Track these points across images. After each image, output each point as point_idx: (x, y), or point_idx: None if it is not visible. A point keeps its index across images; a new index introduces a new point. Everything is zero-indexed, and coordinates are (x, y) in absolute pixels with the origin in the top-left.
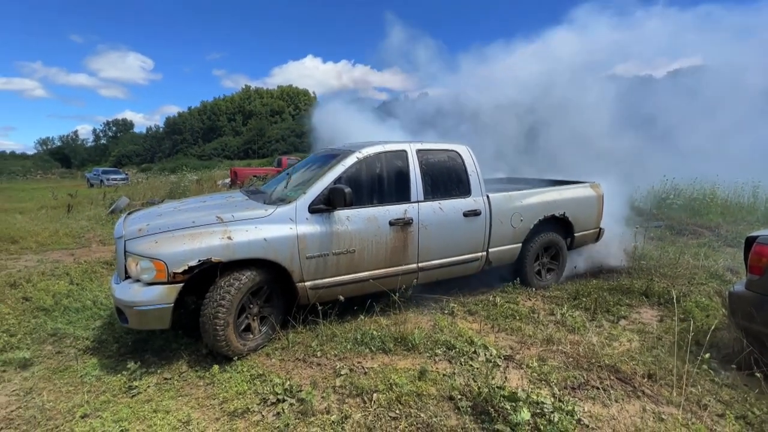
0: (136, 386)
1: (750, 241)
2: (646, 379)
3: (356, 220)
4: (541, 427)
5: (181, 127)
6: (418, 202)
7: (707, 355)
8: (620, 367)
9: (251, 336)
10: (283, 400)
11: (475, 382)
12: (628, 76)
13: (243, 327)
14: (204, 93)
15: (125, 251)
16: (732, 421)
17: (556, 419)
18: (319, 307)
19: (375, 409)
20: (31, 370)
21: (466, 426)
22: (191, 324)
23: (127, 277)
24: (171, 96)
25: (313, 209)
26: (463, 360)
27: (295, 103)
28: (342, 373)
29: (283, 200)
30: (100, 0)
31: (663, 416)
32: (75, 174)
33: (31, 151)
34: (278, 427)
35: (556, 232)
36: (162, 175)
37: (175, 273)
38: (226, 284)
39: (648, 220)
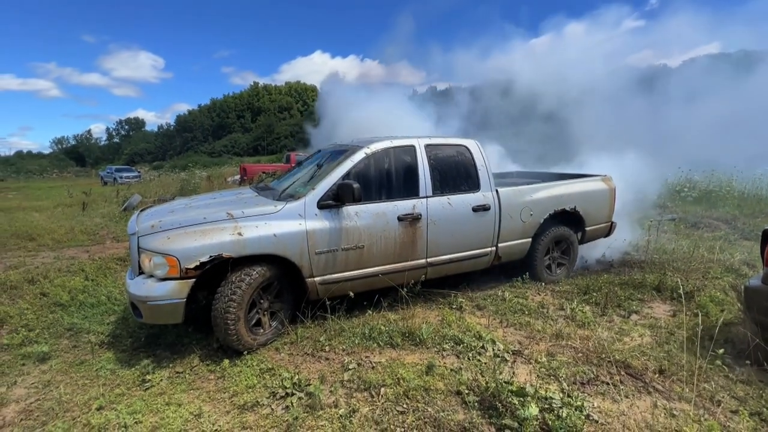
0: (149, 380)
1: (767, 234)
2: (657, 375)
3: (365, 215)
4: (550, 423)
5: (192, 125)
6: (426, 197)
7: (721, 351)
8: (631, 362)
9: (261, 331)
10: (292, 394)
11: (482, 376)
12: (642, 66)
13: (253, 322)
14: (213, 90)
15: (139, 247)
16: (746, 418)
17: (564, 414)
18: (328, 303)
19: (382, 404)
20: (49, 363)
21: (474, 421)
22: (203, 319)
23: (141, 272)
24: (182, 94)
25: (321, 205)
26: (471, 355)
27: (303, 99)
28: (350, 367)
29: (292, 196)
30: (110, 0)
31: (674, 412)
32: (89, 172)
33: (47, 150)
34: (287, 420)
35: (567, 227)
36: (173, 172)
37: (187, 268)
38: (237, 280)
39: (662, 213)
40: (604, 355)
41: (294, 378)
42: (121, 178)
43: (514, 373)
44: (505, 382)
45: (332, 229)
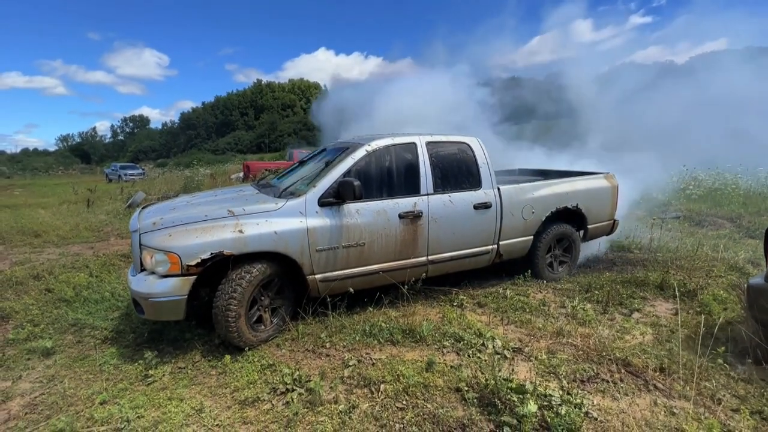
0: (152, 375)
1: None
2: (658, 373)
3: (366, 213)
4: (549, 420)
5: (195, 123)
6: (427, 194)
7: (722, 349)
8: (631, 360)
9: (263, 327)
10: (292, 390)
11: (482, 374)
12: (648, 63)
13: (255, 319)
14: (218, 88)
15: (140, 244)
16: (747, 416)
17: (563, 412)
18: (329, 299)
19: (382, 400)
20: (54, 358)
21: (473, 417)
22: (205, 315)
23: (143, 269)
24: (186, 91)
25: (322, 202)
26: (471, 352)
27: (307, 96)
28: (350, 364)
29: (293, 194)
30: None
31: (674, 410)
32: (94, 169)
33: (52, 148)
34: (287, 415)
35: (569, 224)
36: (177, 169)
37: (188, 265)
38: (238, 277)
39: (665, 211)
40: (604, 353)
41: (295, 374)
42: (125, 175)
43: (513, 370)
44: (504, 380)
45: (333, 226)
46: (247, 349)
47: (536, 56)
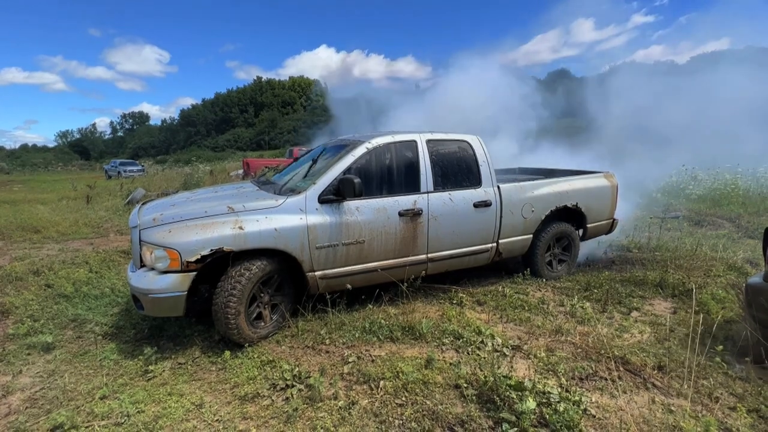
0: (152, 370)
1: None
2: (656, 371)
3: (366, 210)
4: (547, 417)
5: (195, 119)
6: (427, 192)
7: (720, 348)
8: (630, 358)
9: (262, 324)
10: (292, 386)
11: (481, 371)
12: (649, 63)
13: (254, 315)
14: (218, 85)
15: (140, 240)
16: (744, 414)
17: (561, 409)
18: (328, 296)
19: (381, 396)
20: (54, 353)
21: (472, 414)
22: (205, 311)
23: (143, 265)
24: (186, 88)
25: (322, 200)
26: (470, 349)
27: (307, 94)
28: (350, 360)
29: (293, 191)
30: None
31: (672, 408)
32: (94, 166)
33: (51, 144)
34: (287, 411)
35: (569, 223)
36: (177, 166)
37: (188, 262)
38: (237, 274)
39: (665, 211)
40: (603, 351)
41: (294, 370)
42: (125, 171)
43: (512, 367)
44: (503, 377)
45: (333, 223)
46: (246, 345)
47: (536, 55)
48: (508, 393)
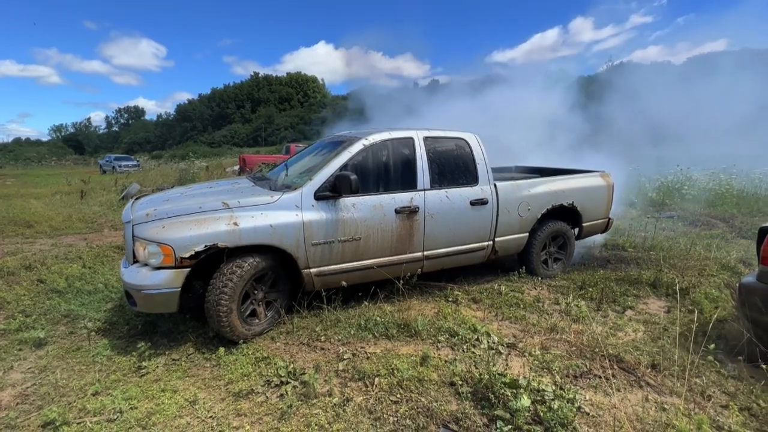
0: (145, 366)
1: (763, 232)
2: (649, 369)
3: (362, 207)
4: (541, 414)
5: (191, 115)
6: (424, 190)
7: (713, 347)
8: (624, 356)
9: (257, 321)
10: (287, 383)
11: (476, 368)
12: (646, 63)
13: (248, 312)
14: (215, 80)
15: (133, 236)
16: (736, 412)
17: (556, 406)
18: (324, 293)
19: (376, 393)
20: (46, 349)
21: (466, 411)
22: (199, 307)
23: (136, 261)
24: (183, 83)
25: (318, 196)
26: (465, 347)
27: (304, 90)
28: (345, 357)
29: (289, 187)
30: None
31: (665, 406)
32: (88, 160)
33: (45, 138)
34: (281, 408)
35: (564, 222)
36: (172, 161)
37: (182, 258)
38: (229, 272)
39: (660, 211)
40: (597, 350)
41: (289, 367)
42: (120, 166)
43: (507, 365)
44: (498, 374)
45: (329, 220)
46: (241, 341)
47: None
48: (502, 390)
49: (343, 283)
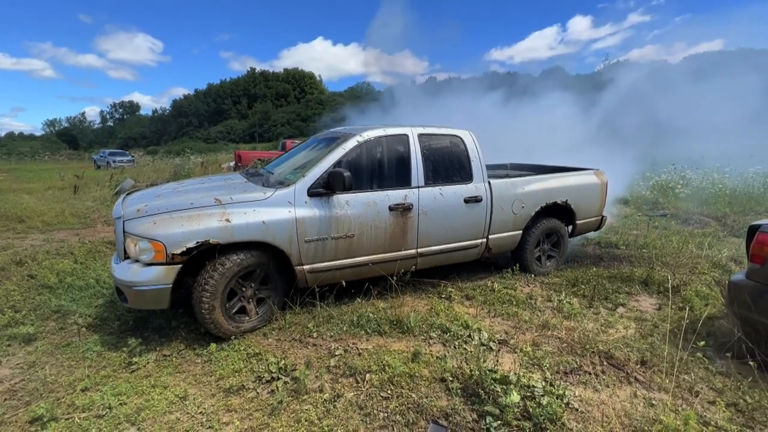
0: (136, 362)
1: (753, 230)
2: (639, 366)
3: (355, 204)
4: (530, 410)
5: (187, 110)
6: (418, 187)
7: (702, 343)
8: (614, 353)
9: (246, 318)
10: (278, 378)
11: (467, 364)
12: (643, 62)
13: (236, 309)
14: (211, 75)
15: (124, 231)
16: (723, 408)
17: (545, 402)
18: (317, 290)
19: (367, 389)
20: (35, 344)
21: (456, 407)
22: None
23: (127, 257)
24: (179, 78)
25: (312, 193)
26: (457, 343)
27: (301, 86)
28: (336, 353)
29: (282, 183)
30: None
31: (653, 402)
32: (82, 155)
33: (39, 133)
34: (272, 404)
35: (558, 219)
36: (168, 157)
37: (173, 254)
38: (211, 269)
39: (653, 209)
40: (588, 346)
41: (280, 363)
42: (114, 162)
43: (498, 361)
44: (489, 370)
45: (322, 217)
46: (233, 337)
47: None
48: (493, 387)
49: (343, 283)
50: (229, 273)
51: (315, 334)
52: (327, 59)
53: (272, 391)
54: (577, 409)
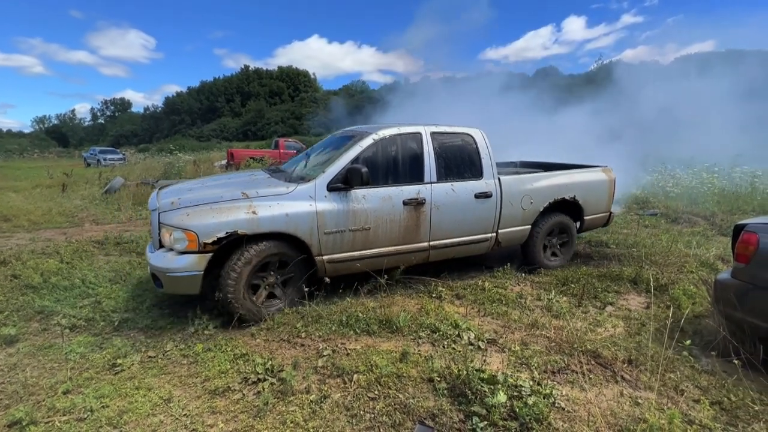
0: (120, 364)
1: (738, 229)
2: (626, 365)
3: (372, 198)
4: (517, 410)
5: (180, 108)
6: (431, 183)
7: (688, 342)
8: (601, 352)
9: (274, 302)
10: (264, 380)
11: (455, 364)
12: (635, 63)
13: (266, 294)
14: (205, 72)
15: (159, 222)
16: (707, 407)
17: (531, 402)
18: (306, 289)
19: (354, 390)
20: (17, 346)
21: (443, 407)
22: (179, 303)
23: (162, 246)
24: (172, 75)
25: (331, 188)
26: (446, 343)
27: (295, 84)
28: (324, 354)
29: (303, 179)
30: None
31: (639, 401)
32: (72, 153)
33: (28, 130)
34: (257, 405)
35: (566, 215)
36: (159, 155)
37: (205, 243)
38: (236, 258)
39: (643, 208)
40: (576, 345)
41: (267, 364)
42: (104, 160)
43: (486, 361)
44: (476, 370)
45: (340, 210)
46: (220, 337)
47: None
48: (480, 386)
49: (327, 280)
50: (255, 261)
51: (303, 335)
52: (322, 57)
53: (258, 392)
54: (563, 409)
